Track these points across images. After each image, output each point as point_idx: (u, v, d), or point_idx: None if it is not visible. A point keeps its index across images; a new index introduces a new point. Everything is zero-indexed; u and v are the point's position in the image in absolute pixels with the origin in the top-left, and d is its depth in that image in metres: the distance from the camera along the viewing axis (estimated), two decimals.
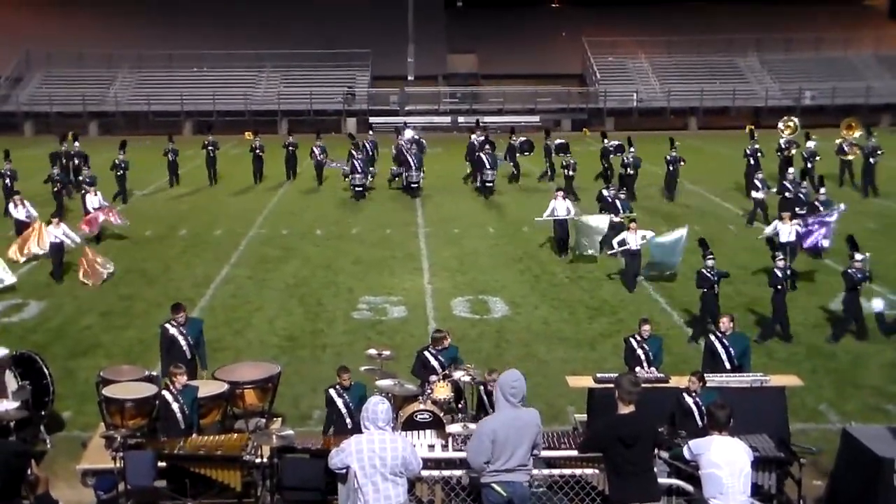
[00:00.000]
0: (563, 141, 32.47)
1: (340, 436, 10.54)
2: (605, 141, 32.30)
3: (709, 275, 15.70)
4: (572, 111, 55.23)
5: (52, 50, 55.68)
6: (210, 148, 33.35)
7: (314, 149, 32.70)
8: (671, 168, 29.12)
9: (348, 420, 10.88)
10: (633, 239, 19.31)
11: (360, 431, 10.62)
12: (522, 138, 33.25)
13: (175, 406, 10.57)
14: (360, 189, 29.75)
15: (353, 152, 30.44)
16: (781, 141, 31.22)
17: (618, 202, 21.93)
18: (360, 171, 29.84)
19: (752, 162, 29.14)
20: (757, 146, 29.43)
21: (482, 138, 32.30)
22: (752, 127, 33.34)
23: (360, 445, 7.63)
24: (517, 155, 32.68)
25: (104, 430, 10.89)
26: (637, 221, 20.05)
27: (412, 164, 30.36)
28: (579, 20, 60.04)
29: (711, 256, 15.97)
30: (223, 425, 11.56)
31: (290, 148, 33.67)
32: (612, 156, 31.72)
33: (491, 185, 30.02)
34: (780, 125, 32.63)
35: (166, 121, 51.74)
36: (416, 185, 30.40)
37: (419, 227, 25.59)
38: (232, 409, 11.89)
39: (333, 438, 10.49)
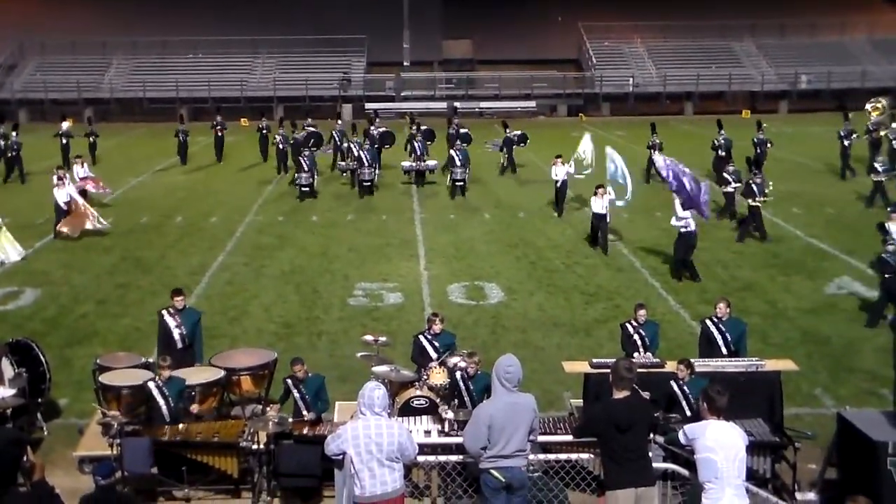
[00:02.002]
0: (520, 132, 32.14)
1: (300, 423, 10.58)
2: (507, 131, 31.69)
3: (890, 260, 15.67)
4: (568, 96, 55.19)
5: (45, 37, 55.46)
6: (218, 128, 34.61)
7: (277, 136, 32.16)
8: (759, 150, 28.88)
9: (304, 412, 10.80)
10: (599, 203, 20.60)
11: (318, 420, 10.68)
12: (518, 131, 32.42)
13: (160, 398, 10.52)
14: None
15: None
16: (869, 123, 31.07)
17: (754, 186, 21.58)
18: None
19: (846, 144, 29.26)
20: (851, 128, 29.35)
21: (376, 128, 30.80)
22: (845, 109, 32.91)
23: (357, 431, 7.64)
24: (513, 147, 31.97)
25: (101, 417, 10.91)
26: (605, 187, 21.08)
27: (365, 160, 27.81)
28: (575, 5, 59.79)
29: (892, 242, 15.97)
30: (220, 412, 11.58)
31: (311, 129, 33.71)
32: (514, 146, 31.28)
33: (462, 183, 27.88)
34: (868, 106, 32.09)
35: (161, 107, 51.70)
36: (367, 183, 27.99)
37: (415, 213, 25.56)
38: (228, 396, 11.91)
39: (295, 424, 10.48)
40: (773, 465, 9.88)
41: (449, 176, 28.43)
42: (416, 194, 28.31)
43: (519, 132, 32.46)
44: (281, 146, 31.95)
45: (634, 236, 22.12)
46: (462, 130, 32.01)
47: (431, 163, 30.04)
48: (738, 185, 23.13)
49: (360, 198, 27.49)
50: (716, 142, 29.14)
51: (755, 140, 29.18)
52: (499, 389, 7.92)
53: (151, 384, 10.62)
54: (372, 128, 31.79)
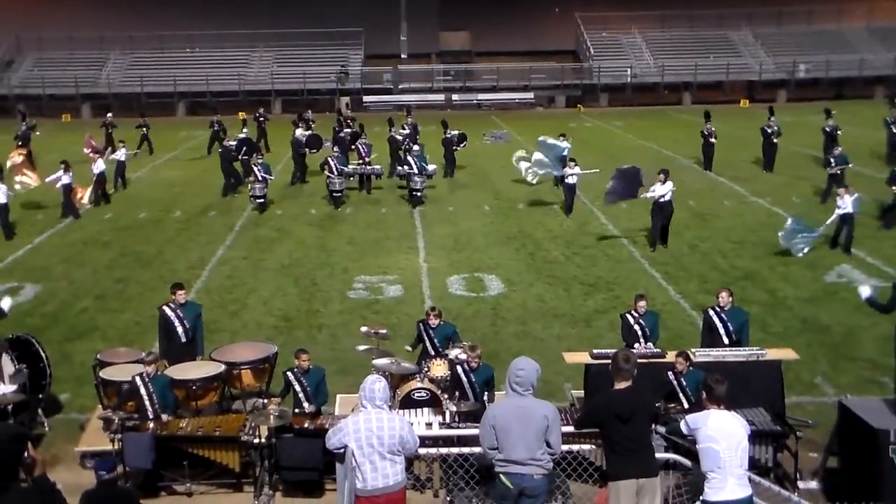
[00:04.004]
0: (459, 132, 30.70)
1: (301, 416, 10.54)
2: (448, 131, 30.20)
3: None
4: (566, 87, 55.18)
5: (43, 32, 55.38)
6: (262, 119, 36.35)
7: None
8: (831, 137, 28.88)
9: (305, 404, 10.70)
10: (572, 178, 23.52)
11: (317, 413, 10.63)
12: (457, 132, 30.61)
13: (143, 391, 10.42)
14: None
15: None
16: None
17: None
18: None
19: (894, 130, 29.35)
20: None
21: (308, 132, 29.41)
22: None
23: (358, 424, 7.63)
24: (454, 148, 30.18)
25: (102, 412, 10.90)
26: (574, 160, 23.64)
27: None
28: None
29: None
30: (221, 406, 11.58)
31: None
32: (454, 148, 29.98)
33: (419, 193, 25.41)
34: None
35: (160, 102, 51.68)
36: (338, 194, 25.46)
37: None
38: (229, 390, 11.90)
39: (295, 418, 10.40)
40: (774, 453, 9.88)
41: (406, 184, 26.12)
42: None
43: (458, 132, 30.65)
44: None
45: (633, 226, 22.08)
46: (456, 132, 30.68)
47: (431, 167, 27.69)
48: (845, 166, 23.81)
49: (331, 206, 25.44)
50: (767, 128, 29.36)
51: (826, 128, 29.17)
52: (508, 391, 7.79)
53: (138, 377, 10.57)
54: (346, 130, 30.82)
